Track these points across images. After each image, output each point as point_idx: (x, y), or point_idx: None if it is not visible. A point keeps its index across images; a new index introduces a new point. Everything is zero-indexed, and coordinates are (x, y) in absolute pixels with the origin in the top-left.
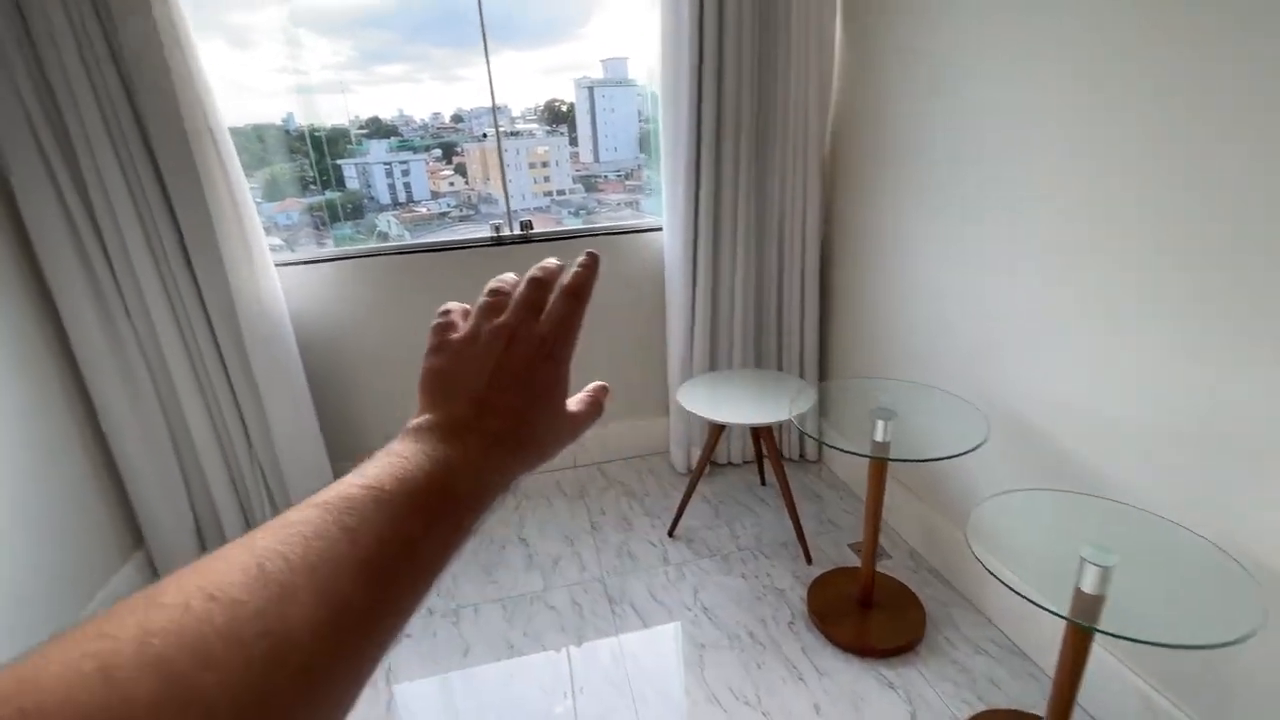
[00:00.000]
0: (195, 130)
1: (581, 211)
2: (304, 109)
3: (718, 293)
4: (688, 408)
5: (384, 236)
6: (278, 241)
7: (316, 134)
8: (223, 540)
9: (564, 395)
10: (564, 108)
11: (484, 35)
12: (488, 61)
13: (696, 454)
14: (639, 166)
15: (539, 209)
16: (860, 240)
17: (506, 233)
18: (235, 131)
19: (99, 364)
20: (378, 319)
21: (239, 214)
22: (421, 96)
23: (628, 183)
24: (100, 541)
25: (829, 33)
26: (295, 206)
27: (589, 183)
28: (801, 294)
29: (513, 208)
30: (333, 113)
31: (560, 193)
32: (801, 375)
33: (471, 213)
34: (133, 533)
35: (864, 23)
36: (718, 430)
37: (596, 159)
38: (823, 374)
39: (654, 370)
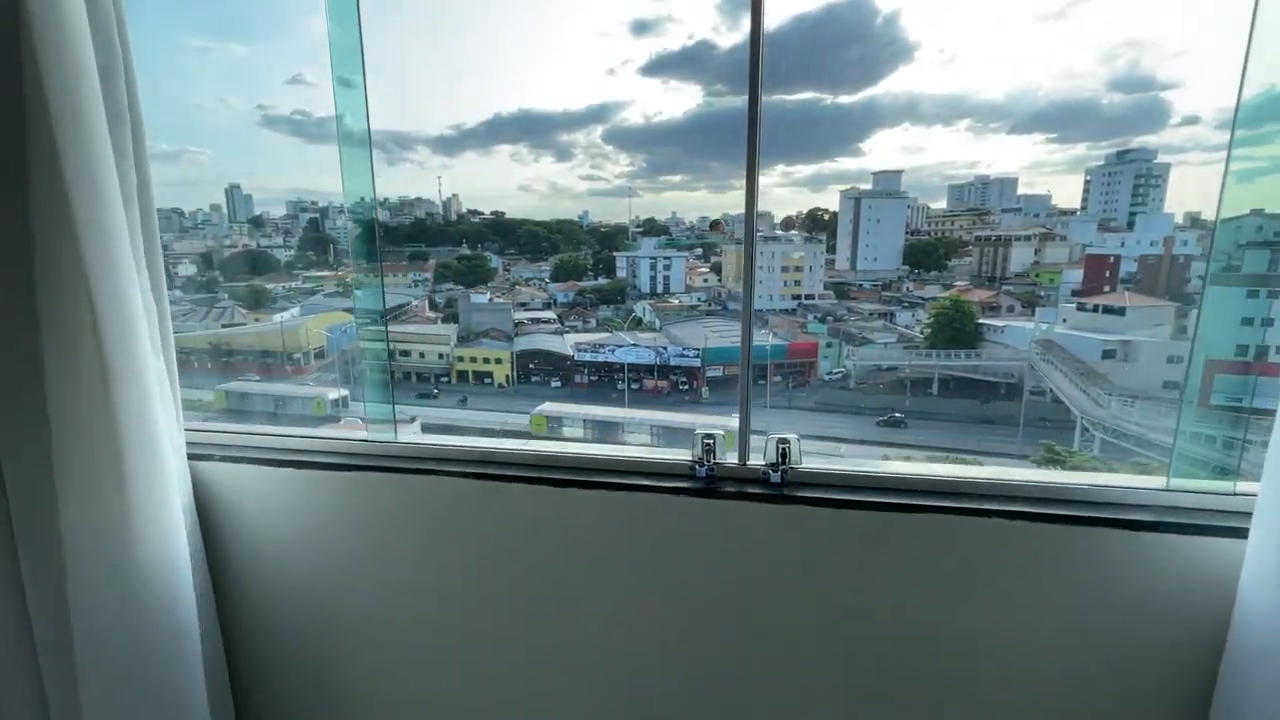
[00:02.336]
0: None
1: (829, 318)
2: (597, 208)
3: None
4: None
5: (638, 322)
6: (544, 316)
7: (603, 230)
8: None
9: None
10: (826, 216)
11: (752, 152)
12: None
13: None
14: (900, 278)
15: (784, 310)
16: None
17: (730, 466)
18: (543, 224)
19: None
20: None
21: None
22: (693, 202)
23: (884, 293)
24: None
25: None
26: (573, 288)
27: (840, 290)
28: None
29: (759, 308)
30: (618, 212)
31: (809, 297)
32: None
33: (720, 308)
34: None
35: None
36: None
37: (853, 267)
38: None
39: None
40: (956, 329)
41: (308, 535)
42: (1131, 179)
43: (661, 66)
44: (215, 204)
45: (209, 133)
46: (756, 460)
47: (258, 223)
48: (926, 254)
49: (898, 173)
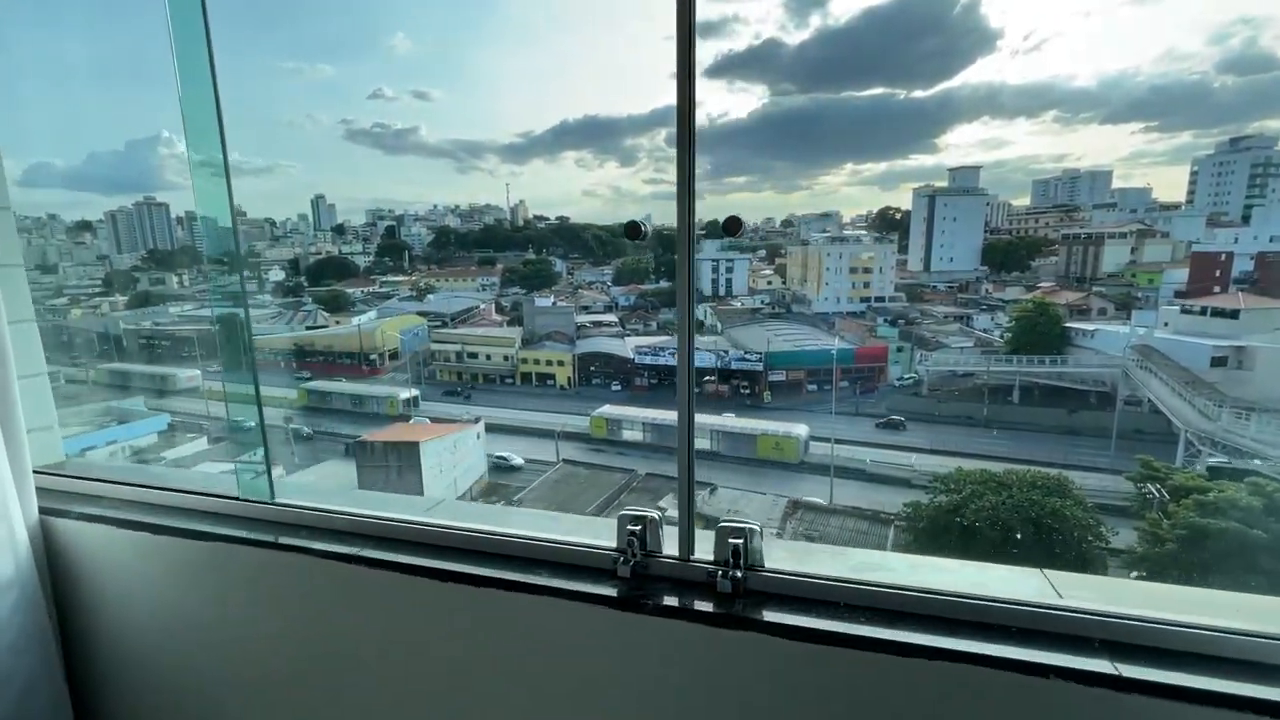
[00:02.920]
0: None
1: (900, 321)
2: (660, 212)
3: None
4: None
5: (699, 325)
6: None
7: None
8: None
9: None
10: (898, 215)
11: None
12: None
13: None
14: (977, 279)
15: (853, 314)
16: None
17: (668, 561)
18: (607, 228)
19: None
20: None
21: None
22: (757, 203)
23: (960, 295)
24: None
25: None
26: (634, 291)
27: (912, 291)
28: None
29: (826, 310)
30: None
31: (879, 299)
32: None
33: (783, 310)
34: None
35: None
36: None
37: (926, 268)
38: None
39: None
40: (1040, 333)
41: (165, 605)
42: (1247, 169)
43: (727, 68)
44: (302, 213)
45: (298, 147)
46: (705, 552)
47: (340, 230)
48: (1007, 254)
49: (976, 168)
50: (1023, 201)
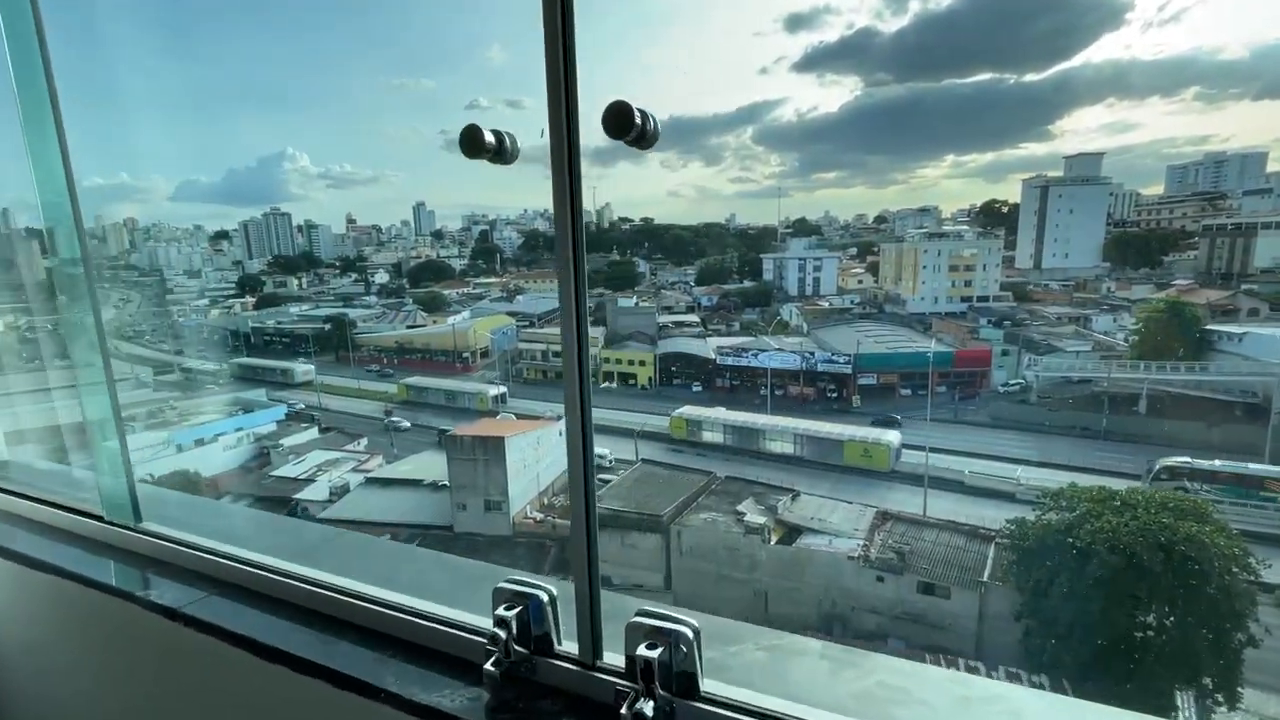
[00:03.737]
0: None
1: (1005, 322)
2: (745, 211)
3: None
4: None
5: (784, 325)
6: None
7: (750, 232)
8: None
9: None
10: (1004, 209)
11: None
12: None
13: None
14: (1097, 276)
15: (952, 314)
16: None
17: (564, 666)
18: (690, 229)
19: None
20: None
21: None
22: (848, 200)
23: (1077, 295)
24: None
25: None
26: (717, 292)
27: (1020, 291)
28: None
29: (922, 310)
30: (767, 214)
31: (982, 299)
32: None
33: (876, 311)
34: None
35: None
36: None
37: (1037, 265)
38: None
39: None
40: (1173, 337)
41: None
42: None
43: (817, 60)
44: (405, 220)
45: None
46: (615, 656)
47: (438, 235)
48: (1135, 248)
49: (1098, 155)
50: (1155, 190)
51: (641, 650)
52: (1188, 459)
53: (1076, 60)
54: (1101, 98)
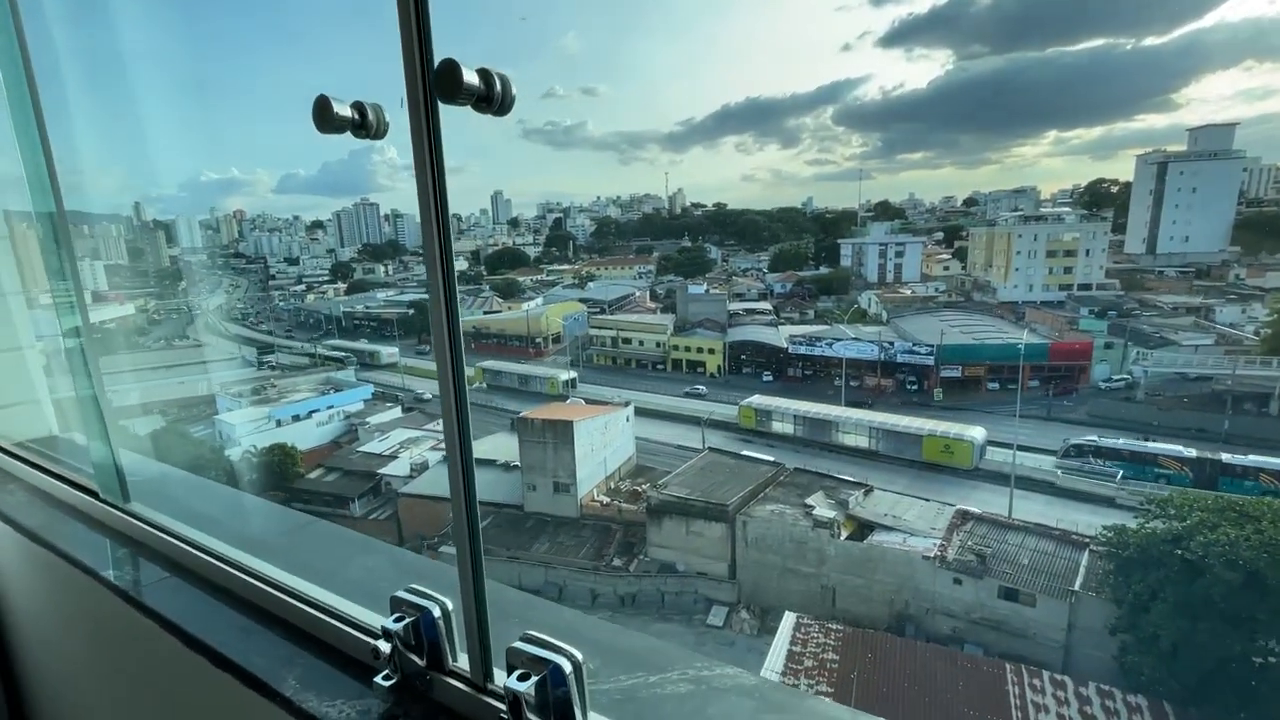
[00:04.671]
0: None
1: (1110, 312)
2: (824, 194)
3: None
4: None
5: (862, 314)
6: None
7: (827, 216)
8: None
9: None
10: (1113, 189)
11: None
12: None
13: None
14: (1224, 262)
15: (1048, 304)
16: None
17: (453, 685)
18: (764, 213)
19: None
20: None
21: None
22: (935, 181)
23: (1198, 283)
24: None
25: None
26: (791, 278)
27: (1130, 278)
28: None
29: (1015, 299)
30: (846, 197)
31: (1084, 286)
32: None
33: (962, 299)
34: None
35: None
36: None
37: (1150, 250)
38: None
39: None
40: None
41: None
42: None
43: (906, 33)
44: (484, 208)
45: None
46: (507, 676)
47: (514, 223)
48: (1271, 230)
49: (1230, 126)
50: None
51: (512, 681)
52: (1094, 438)
53: (1208, 20)
54: (1238, 61)
